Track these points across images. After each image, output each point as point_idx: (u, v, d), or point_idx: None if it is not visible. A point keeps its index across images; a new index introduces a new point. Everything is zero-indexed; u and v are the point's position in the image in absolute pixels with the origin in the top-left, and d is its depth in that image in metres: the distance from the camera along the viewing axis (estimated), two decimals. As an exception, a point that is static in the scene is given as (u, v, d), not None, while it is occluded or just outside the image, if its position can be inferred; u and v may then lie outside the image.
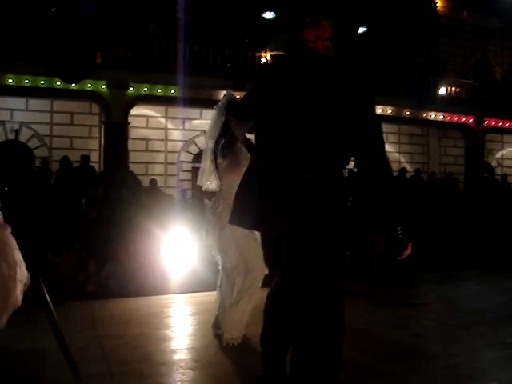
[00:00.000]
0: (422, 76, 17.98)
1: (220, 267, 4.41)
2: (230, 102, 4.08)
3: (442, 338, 4.69)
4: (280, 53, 14.66)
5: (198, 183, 4.44)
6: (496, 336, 4.62)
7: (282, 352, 2.70)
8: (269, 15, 17.56)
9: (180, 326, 5.23)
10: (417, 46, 20.59)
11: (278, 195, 2.50)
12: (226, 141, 4.13)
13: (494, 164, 20.46)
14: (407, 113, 17.00)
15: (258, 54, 14.70)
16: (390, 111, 16.23)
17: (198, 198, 11.54)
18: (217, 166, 4.25)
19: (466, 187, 15.51)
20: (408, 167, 16.11)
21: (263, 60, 14.64)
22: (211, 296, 6.10)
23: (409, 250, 2.59)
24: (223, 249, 4.27)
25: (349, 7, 18.30)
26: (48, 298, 3.19)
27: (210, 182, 4.34)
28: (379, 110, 16.18)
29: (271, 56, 14.49)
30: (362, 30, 19.94)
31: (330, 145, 2.48)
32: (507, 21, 21.20)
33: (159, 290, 6.92)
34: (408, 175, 14.35)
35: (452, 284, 7.69)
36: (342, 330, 2.51)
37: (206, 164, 4.33)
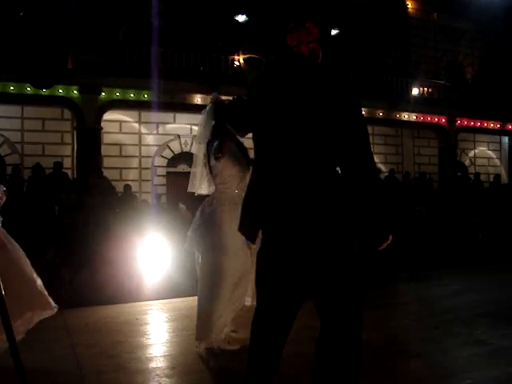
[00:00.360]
0: (395, 77, 18.16)
1: (206, 272, 4.20)
2: (218, 105, 4.18)
3: (417, 337, 4.70)
4: (253, 56, 14.73)
5: (190, 189, 4.44)
6: (471, 334, 4.65)
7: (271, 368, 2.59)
8: (241, 18, 17.58)
9: (156, 333, 5.17)
10: (389, 48, 20.79)
11: (279, 199, 2.50)
12: (219, 142, 4.09)
13: (467, 163, 20.75)
14: (381, 114, 17.15)
15: (231, 57, 14.70)
16: (363, 113, 16.33)
17: (174, 203, 11.50)
18: (210, 170, 4.24)
19: (440, 186, 15.68)
20: (383, 168, 16.24)
21: (236, 63, 14.62)
22: (187, 302, 6.09)
23: (389, 241, 2.55)
24: (221, 247, 4.08)
25: (320, 10, 18.39)
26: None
27: (203, 187, 4.37)
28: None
29: (244, 59, 14.49)
30: (334, 32, 20.05)
31: (323, 148, 2.51)
32: (476, 22, 21.53)
33: (135, 296, 6.83)
34: (383, 176, 14.47)
35: (427, 283, 7.74)
36: (359, 341, 2.49)
37: (198, 169, 4.34)
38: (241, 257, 4.08)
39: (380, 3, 20.52)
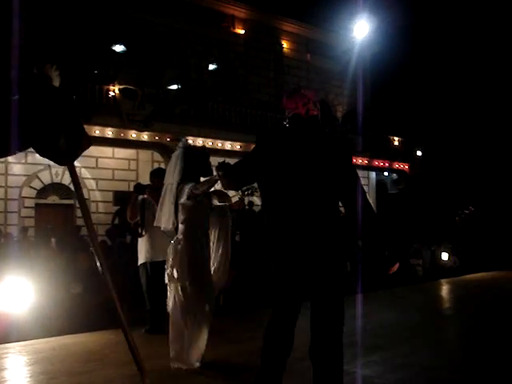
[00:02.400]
0: (269, 113, 18.75)
1: (181, 300, 4.59)
2: (187, 150, 4.75)
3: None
4: (129, 86, 14.57)
5: (156, 224, 4.90)
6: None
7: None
8: (119, 48, 17.35)
9: (15, 378, 4.84)
10: (264, 85, 21.49)
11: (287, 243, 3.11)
12: (196, 187, 4.47)
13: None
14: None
15: (105, 87, 14.41)
16: (238, 147, 16.67)
17: (43, 236, 10.96)
18: (177, 207, 4.62)
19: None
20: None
21: (111, 93, 14.36)
22: (48, 343, 5.78)
23: (396, 267, 3.23)
24: (193, 277, 4.55)
25: (194, 43, 18.71)
26: None
27: (169, 223, 4.71)
28: (228, 145, 16.58)
29: (119, 89, 14.29)
30: (212, 67, 20.39)
31: (325, 198, 3.10)
32: (345, 65, 22.89)
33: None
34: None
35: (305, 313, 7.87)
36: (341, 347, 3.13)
37: (167, 206, 4.71)
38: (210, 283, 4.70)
39: (257, 42, 21.25)
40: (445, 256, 13.68)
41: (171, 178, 4.73)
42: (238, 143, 16.78)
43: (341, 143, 3.27)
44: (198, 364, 4.57)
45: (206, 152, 5.03)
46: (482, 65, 29.50)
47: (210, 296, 4.69)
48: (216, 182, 4.22)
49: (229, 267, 5.00)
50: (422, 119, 26.73)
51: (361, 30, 19.51)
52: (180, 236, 4.67)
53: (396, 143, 23.05)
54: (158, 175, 6.33)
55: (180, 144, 4.93)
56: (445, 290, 10.22)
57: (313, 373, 3.13)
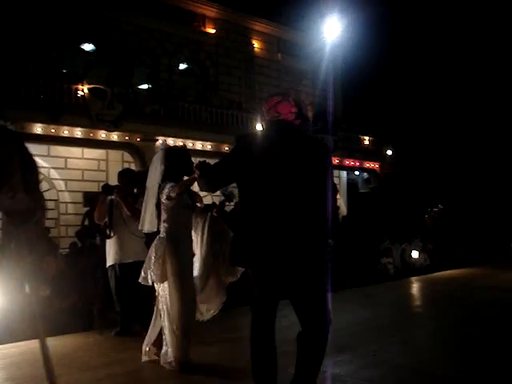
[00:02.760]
0: (240, 112, 18.73)
1: (167, 298, 4.60)
2: (167, 151, 4.80)
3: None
4: (98, 86, 14.38)
5: (140, 227, 4.93)
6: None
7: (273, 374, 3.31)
8: (88, 47, 17.16)
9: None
10: (235, 84, 21.47)
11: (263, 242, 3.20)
12: (174, 186, 4.51)
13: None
14: (226, 148, 17.53)
15: (74, 87, 14.21)
16: (209, 147, 16.62)
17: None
18: (159, 209, 4.68)
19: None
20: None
21: (80, 93, 14.16)
22: (17, 347, 5.66)
23: None
24: (180, 276, 4.55)
25: (164, 42, 18.59)
26: None
27: (153, 225, 4.78)
28: (199, 145, 16.51)
29: (88, 89, 14.09)
30: (182, 66, 20.30)
31: (300, 199, 3.20)
32: (316, 64, 22.97)
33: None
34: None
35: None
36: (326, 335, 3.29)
37: (150, 208, 4.77)
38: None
39: (228, 41, 21.22)
40: (415, 254, 13.81)
41: (153, 181, 4.78)
42: (209, 143, 16.73)
43: (319, 146, 3.41)
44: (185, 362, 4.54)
45: (186, 150, 5.03)
46: (453, 64, 29.96)
47: (191, 297, 4.68)
48: (194, 180, 4.23)
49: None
50: (393, 119, 27.01)
51: (332, 30, 19.58)
52: (163, 235, 4.68)
53: (367, 142, 23.24)
54: (126, 175, 6.26)
55: (160, 146, 5.04)
56: (415, 287, 10.33)
57: (297, 355, 3.30)
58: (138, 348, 5.33)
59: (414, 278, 11.54)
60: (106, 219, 6.05)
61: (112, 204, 6.03)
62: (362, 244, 13.80)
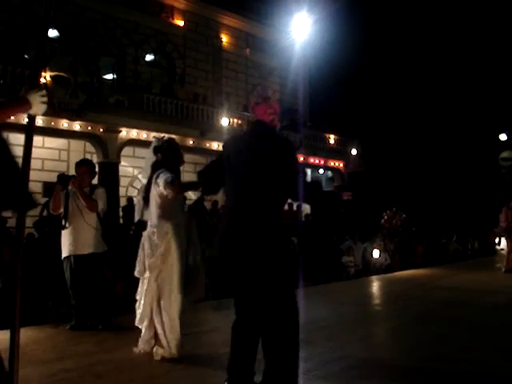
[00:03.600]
0: (206, 106, 18.60)
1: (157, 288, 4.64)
2: (155, 147, 4.85)
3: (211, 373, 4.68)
4: (61, 74, 14.06)
5: (136, 218, 5.08)
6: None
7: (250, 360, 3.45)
8: (52, 33, 16.76)
9: None
10: (202, 78, 21.32)
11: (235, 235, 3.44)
12: (172, 181, 4.54)
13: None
14: (191, 142, 17.40)
15: (36, 73, 13.83)
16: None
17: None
18: (147, 201, 4.77)
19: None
20: (193, 196, 16.38)
21: (42, 80, 13.81)
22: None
23: None
24: (171, 268, 4.60)
25: (131, 32, 18.35)
26: None
27: (141, 215, 4.90)
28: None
29: (51, 76, 13.76)
30: (149, 57, 20.07)
31: (273, 193, 3.46)
32: (284, 61, 22.99)
33: None
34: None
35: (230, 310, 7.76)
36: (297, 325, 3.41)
37: (140, 201, 4.94)
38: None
39: (196, 34, 21.06)
40: (376, 253, 13.96)
41: (145, 174, 4.91)
42: (173, 136, 16.48)
43: (286, 146, 3.62)
44: (175, 352, 4.57)
45: (171, 141, 4.99)
46: (418, 63, 30.40)
47: (181, 287, 4.69)
48: (196, 189, 4.63)
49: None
50: (359, 118, 27.25)
51: (301, 27, 19.59)
52: (154, 229, 4.69)
53: (332, 141, 23.36)
54: (82, 164, 6.11)
55: (154, 140, 5.09)
56: (375, 286, 10.40)
57: (264, 368, 3.40)
58: (93, 342, 5.22)
59: (374, 277, 11.65)
60: (62, 210, 5.88)
61: (68, 194, 5.86)
62: (324, 242, 13.87)
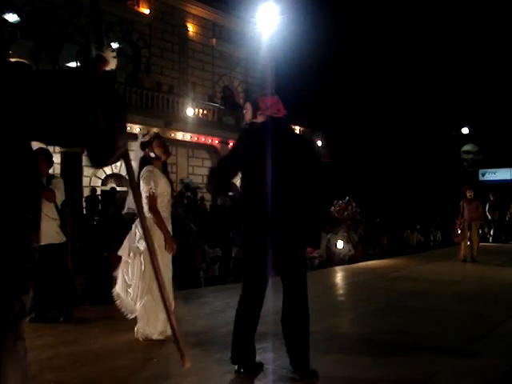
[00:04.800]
0: (171, 96, 18.45)
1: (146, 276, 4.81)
2: (143, 143, 5.03)
3: (174, 359, 4.63)
4: (21, 60, 13.71)
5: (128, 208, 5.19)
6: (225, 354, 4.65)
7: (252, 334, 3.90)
8: (12, 18, 16.35)
9: None
10: (168, 67, 21.11)
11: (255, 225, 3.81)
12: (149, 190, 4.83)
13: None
14: (155, 130, 17.21)
15: (-4, 59, 13.48)
16: (138, 129, 16.25)
17: None
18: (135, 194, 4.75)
19: (212, 205, 16.14)
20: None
21: (2, 66, 13.47)
22: None
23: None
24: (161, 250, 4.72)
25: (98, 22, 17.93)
26: None
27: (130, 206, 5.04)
28: (127, 128, 16.12)
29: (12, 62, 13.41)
30: (114, 45, 19.72)
31: (291, 185, 3.74)
32: (250, 52, 22.95)
33: None
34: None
35: (191, 302, 7.75)
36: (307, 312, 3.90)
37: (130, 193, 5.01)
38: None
39: (162, 23, 20.82)
40: (340, 244, 14.08)
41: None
42: (138, 126, 16.33)
43: (305, 139, 4.25)
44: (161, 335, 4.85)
45: (156, 137, 5.14)
46: (384, 57, 30.68)
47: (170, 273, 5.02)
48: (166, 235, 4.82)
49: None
50: (325, 110, 27.39)
51: (268, 18, 19.56)
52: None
53: (297, 132, 23.41)
54: (39, 155, 5.98)
55: (139, 135, 5.27)
56: (339, 277, 10.50)
57: (284, 334, 3.90)
58: (54, 335, 5.14)
59: (338, 268, 11.76)
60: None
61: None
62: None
